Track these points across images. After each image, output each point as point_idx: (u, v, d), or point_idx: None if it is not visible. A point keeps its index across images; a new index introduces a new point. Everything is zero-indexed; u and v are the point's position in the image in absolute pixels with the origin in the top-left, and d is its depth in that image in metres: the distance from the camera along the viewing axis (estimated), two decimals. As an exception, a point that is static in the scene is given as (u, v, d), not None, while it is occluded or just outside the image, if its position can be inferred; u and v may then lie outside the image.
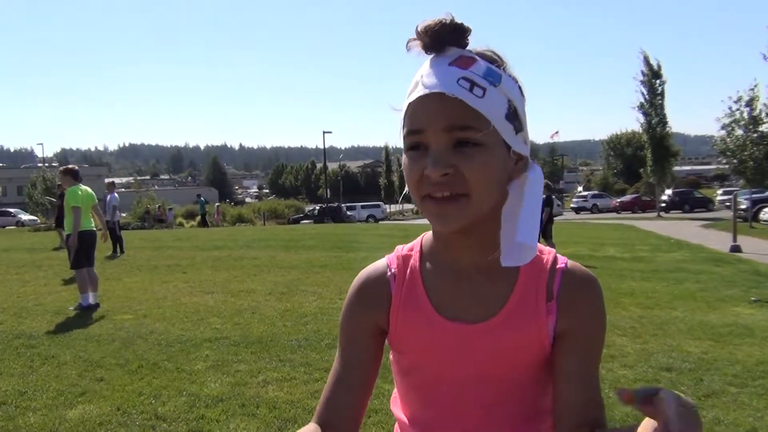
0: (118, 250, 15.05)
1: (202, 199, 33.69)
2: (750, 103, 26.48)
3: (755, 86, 26.39)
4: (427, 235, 1.14)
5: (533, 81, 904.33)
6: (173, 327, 6.91)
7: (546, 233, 13.10)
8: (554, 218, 14.69)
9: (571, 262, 1.08)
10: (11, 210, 50.36)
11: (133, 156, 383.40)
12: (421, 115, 0.96)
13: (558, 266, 1.07)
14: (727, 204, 33.67)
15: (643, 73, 37.43)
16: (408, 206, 57.65)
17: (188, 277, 11.06)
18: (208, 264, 12.95)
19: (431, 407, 1.12)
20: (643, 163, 40.71)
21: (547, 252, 1.10)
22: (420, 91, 0.95)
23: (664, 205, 40.89)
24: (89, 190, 8.57)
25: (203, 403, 4.47)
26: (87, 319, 7.44)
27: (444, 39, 0.96)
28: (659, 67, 37.19)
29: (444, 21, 0.96)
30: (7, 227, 41.66)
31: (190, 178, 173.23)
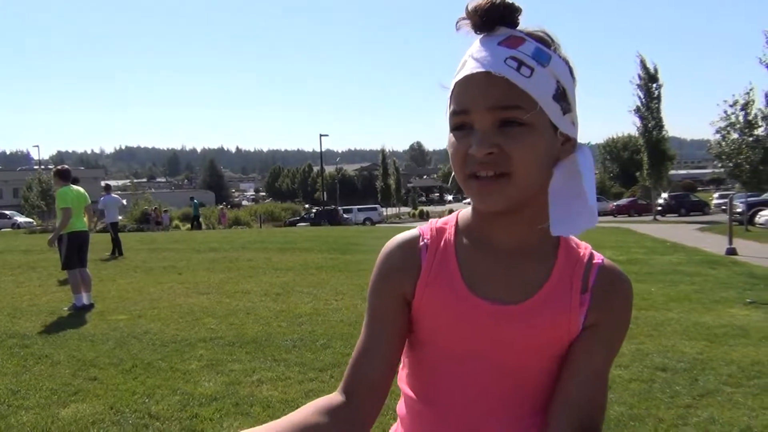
0: (116, 252, 15.02)
1: (195, 201, 33.55)
2: (745, 107, 26.55)
3: (750, 90, 26.47)
4: (464, 212, 1.11)
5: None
6: (168, 327, 6.89)
7: None
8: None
9: (608, 260, 1.07)
10: (7, 212, 50.31)
11: (129, 159, 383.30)
12: (467, 94, 0.95)
13: (595, 261, 1.06)
14: (723, 207, 33.75)
15: (639, 76, 37.46)
16: (404, 209, 57.67)
17: (184, 278, 11.04)
18: (203, 265, 12.93)
19: (444, 385, 1.07)
20: (640, 167, 40.75)
21: (584, 247, 1.08)
22: (466, 71, 0.95)
23: (660, 208, 40.95)
24: (81, 190, 8.57)
25: (197, 402, 4.46)
26: (81, 319, 7.42)
27: (494, 18, 0.96)
28: (656, 70, 37.25)
29: (494, 1, 0.95)
30: (2, 229, 41.58)
31: (186, 181, 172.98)
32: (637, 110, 37.77)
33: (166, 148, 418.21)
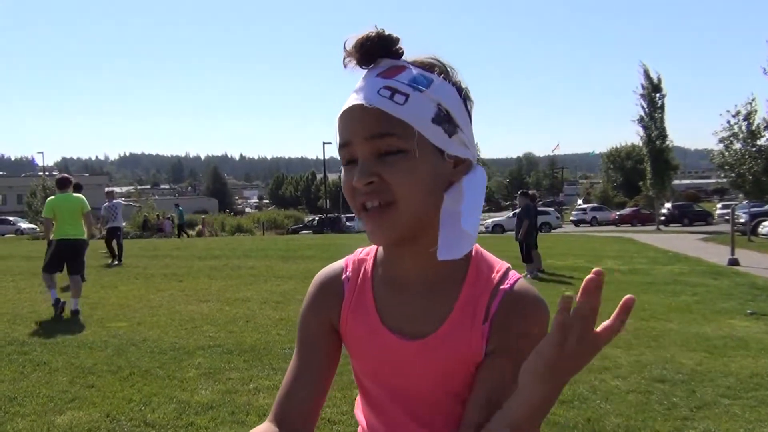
0: (117, 258, 15.02)
1: (180, 208, 33.36)
2: (748, 117, 26.56)
3: (753, 100, 26.51)
4: None
5: (534, 94, 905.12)
6: (167, 335, 6.89)
7: (530, 244, 13.17)
8: (540, 230, 14.73)
9: (520, 283, 1.04)
10: (11, 218, 50.40)
11: (133, 165, 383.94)
12: (346, 128, 0.97)
13: (502, 286, 1.03)
14: (726, 218, 33.67)
15: (643, 86, 37.53)
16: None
17: (184, 285, 11.04)
18: (204, 273, 12.94)
19: (379, 414, 1.12)
20: (643, 177, 40.76)
21: (497, 269, 1.06)
22: (345, 106, 0.97)
23: (663, 218, 40.91)
24: (75, 198, 8.53)
25: (193, 410, 4.45)
26: (80, 326, 7.42)
27: (373, 52, 0.97)
28: (659, 80, 37.33)
29: (369, 34, 0.97)
30: (6, 235, 41.67)
31: (190, 188, 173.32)
32: (641, 120, 37.83)
33: (170, 155, 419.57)
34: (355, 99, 0.96)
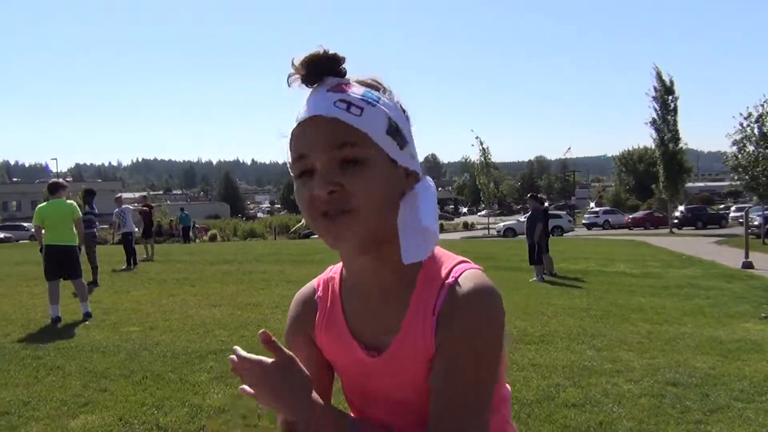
0: (131, 263, 15.15)
1: (185, 213, 33.42)
2: (760, 120, 26.35)
3: (765, 102, 26.26)
4: None
5: (545, 97, 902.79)
6: (179, 339, 6.93)
7: (542, 247, 13.16)
8: (552, 233, 14.68)
9: (467, 274, 1.04)
10: (25, 224, 50.74)
11: (146, 171, 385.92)
12: (303, 140, 0.98)
13: (447, 281, 1.04)
14: (740, 220, 33.42)
15: (655, 88, 37.33)
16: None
17: (196, 290, 11.10)
18: (216, 278, 13.00)
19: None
20: (656, 180, 40.52)
21: (447, 266, 1.07)
22: (300, 118, 0.99)
23: (676, 221, 40.63)
24: (61, 203, 8.48)
25: (205, 413, 4.48)
26: (94, 330, 7.48)
27: (320, 70, 1.00)
28: (672, 83, 37.11)
29: (317, 53, 0.99)
30: (20, 241, 42.00)
31: (202, 193, 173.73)
32: (653, 122, 37.62)
33: (182, 161, 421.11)
34: (309, 111, 0.98)
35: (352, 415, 1.20)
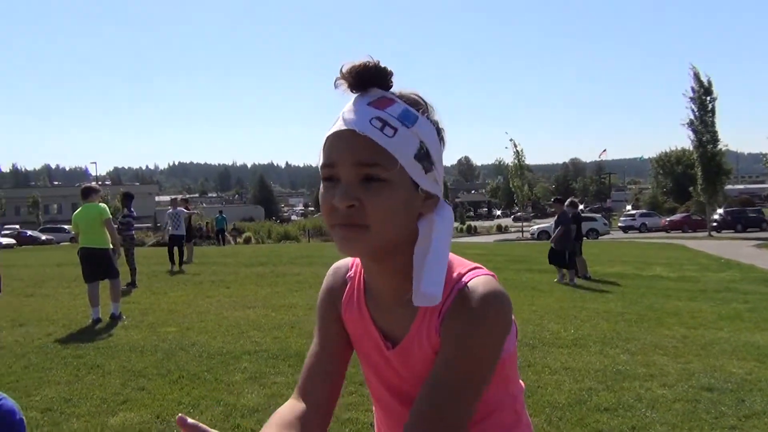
0: (180, 263, 15.47)
1: (222, 216, 33.66)
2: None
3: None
4: None
5: (580, 98, 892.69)
6: (214, 340, 7.05)
7: (575, 250, 13.08)
8: (586, 236, 14.53)
9: (477, 279, 1.08)
10: (65, 227, 51.91)
11: (182, 174, 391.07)
12: (334, 149, 1.03)
13: (457, 285, 1.08)
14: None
15: (693, 89, 36.81)
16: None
17: (231, 292, 11.26)
18: (251, 279, 13.16)
19: (378, 401, 1.25)
20: (694, 182, 39.87)
21: (458, 272, 1.10)
22: (335, 128, 1.03)
23: (715, 224, 39.90)
24: (91, 207, 8.66)
25: (239, 413, 4.56)
26: (132, 331, 7.65)
27: (367, 80, 1.03)
28: (710, 83, 36.53)
29: (367, 64, 1.03)
30: (61, 243, 42.94)
31: (237, 195, 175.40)
32: (691, 124, 37.05)
33: (217, 164, 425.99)
34: (345, 123, 1.02)
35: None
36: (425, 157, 1.03)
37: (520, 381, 1.25)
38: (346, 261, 1.28)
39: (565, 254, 12.68)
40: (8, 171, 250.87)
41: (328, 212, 1.04)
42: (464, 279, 1.07)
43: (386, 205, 1.01)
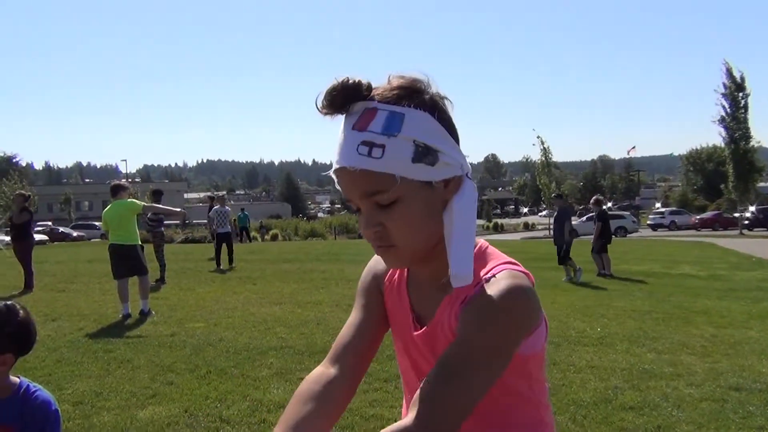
0: (228, 262, 15.36)
1: (244, 213, 33.86)
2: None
3: None
4: None
5: (609, 94, 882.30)
6: (241, 335, 7.13)
7: (602, 248, 13.04)
8: (615, 234, 14.48)
9: (505, 272, 1.07)
10: (96, 223, 52.65)
11: (210, 172, 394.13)
12: (342, 186, 1.08)
13: (485, 276, 1.08)
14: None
15: (725, 85, 36.19)
16: (479, 222, 57.09)
17: (258, 288, 11.37)
18: (277, 276, 13.26)
19: (404, 375, 1.29)
20: (725, 179, 39.24)
21: (492, 263, 1.11)
22: (334, 163, 1.06)
23: (747, 222, 39.23)
24: (118, 204, 8.82)
25: (265, 408, 4.62)
26: (161, 326, 7.77)
27: (345, 100, 1.03)
28: (743, 78, 35.91)
29: (335, 87, 1.02)
30: (92, 240, 43.62)
31: (264, 193, 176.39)
32: (722, 120, 36.45)
33: (245, 162, 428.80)
34: (338, 160, 1.05)
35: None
36: (425, 153, 1.02)
37: (546, 382, 1.25)
38: None
39: (559, 251, 12.69)
40: (41, 169, 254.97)
41: (364, 235, 1.10)
42: (493, 271, 1.08)
43: (404, 222, 1.05)
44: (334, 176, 1.08)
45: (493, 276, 1.07)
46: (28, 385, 2.10)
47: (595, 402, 4.69)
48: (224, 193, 20.02)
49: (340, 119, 1.06)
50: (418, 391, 1.01)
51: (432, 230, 1.08)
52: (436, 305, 1.14)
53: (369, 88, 1.04)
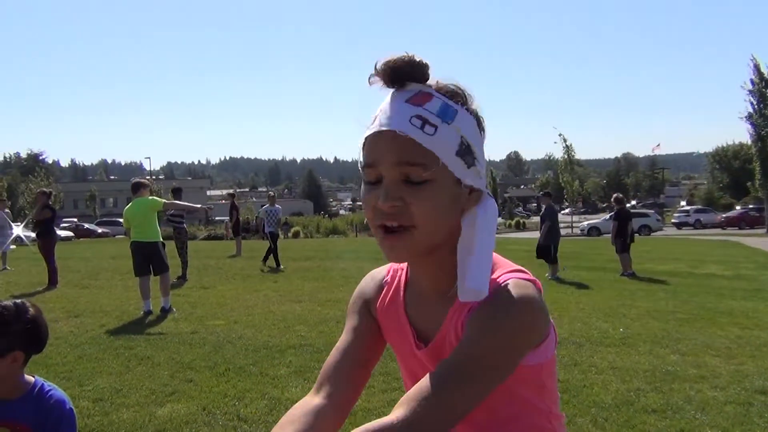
0: (276, 262, 14.96)
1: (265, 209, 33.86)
2: None
3: None
4: None
5: (633, 91, 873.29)
6: (261, 333, 7.14)
7: (622, 247, 12.92)
8: (638, 232, 14.33)
9: (513, 281, 1.04)
10: (120, 220, 53.19)
11: (233, 169, 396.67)
12: (375, 150, 1.01)
13: (492, 286, 1.04)
14: None
15: (752, 81, 35.56)
16: (500, 220, 56.81)
17: (278, 286, 11.39)
18: (298, 274, 13.29)
19: (407, 386, 1.24)
20: (752, 177, 38.61)
21: (500, 271, 1.08)
22: (375, 128, 1.01)
23: (775, 221, 38.55)
24: (138, 201, 8.88)
25: (283, 406, 4.60)
26: (182, 323, 7.81)
27: (402, 75, 1.01)
28: (772, 75, 35.21)
29: (402, 58, 1.01)
30: (117, 236, 44.08)
31: (286, 190, 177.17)
32: (749, 117, 35.85)
33: (267, 159, 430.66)
34: (384, 123, 1.00)
35: None
36: (467, 152, 1.02)
37: (557, 391, 1.22)
38: (383, 268, 1.30)
39: (551, 249, 12.54)
40: (67, 166, 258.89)
41: (371, 213, 1.04)
42: (499, 280, 1.06)
43: (431, 204, 1.00)
44: (364, 139, 1.04)
45: (500, 285, 1.05)
46: (42, 384, 2.09)
47: (617, 404, 4.62)
48: (274, 192, 19.98)
49: (372, 101, 1.05)
50: (410, 390, 0.99)
51: (450, 225, 1.05)
52: (440, 318, 1.11)
53: (428, 74, 1.04)
